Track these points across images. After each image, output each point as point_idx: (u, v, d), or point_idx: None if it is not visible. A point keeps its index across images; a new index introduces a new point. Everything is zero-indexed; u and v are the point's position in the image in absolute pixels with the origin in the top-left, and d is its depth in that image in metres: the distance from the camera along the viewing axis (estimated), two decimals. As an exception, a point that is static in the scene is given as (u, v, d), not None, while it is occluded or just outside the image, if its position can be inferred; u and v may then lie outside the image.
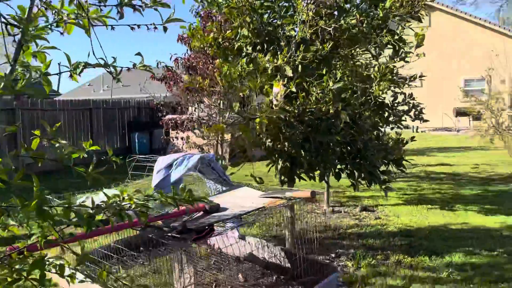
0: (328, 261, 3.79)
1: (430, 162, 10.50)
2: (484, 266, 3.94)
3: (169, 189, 1.54)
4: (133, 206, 1.36)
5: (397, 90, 5.38)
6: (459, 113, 16.17)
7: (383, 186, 4.21)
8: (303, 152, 3.59)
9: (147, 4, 1.14)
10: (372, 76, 3.92)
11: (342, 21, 3.85)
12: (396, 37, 4.07)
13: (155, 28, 1.19)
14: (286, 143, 3.55)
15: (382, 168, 4.27)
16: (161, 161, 2.73)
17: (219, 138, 6.40)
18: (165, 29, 1.18)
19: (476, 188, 7.37)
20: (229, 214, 2.14)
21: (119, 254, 2.30)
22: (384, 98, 5.24)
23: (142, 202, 1.38)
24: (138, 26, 1.19)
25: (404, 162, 5.05)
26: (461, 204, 6.21)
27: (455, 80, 18.48)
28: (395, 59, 4.96)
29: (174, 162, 2.65)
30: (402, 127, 5.58)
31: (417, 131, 20.43)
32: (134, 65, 1.18)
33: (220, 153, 6.32)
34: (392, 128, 5.55)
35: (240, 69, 3.84)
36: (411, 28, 4.10)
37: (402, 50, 4.72)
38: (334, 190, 7.05)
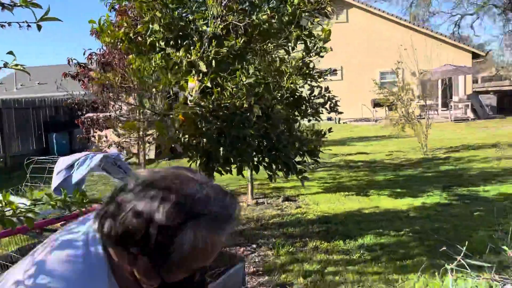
0: (234, 252, 3.90)
1: (350, 152, 11.08)
2: (391, 245, 4.26)
3: (70, 191, 1.50)
4: (18, 211, 1.30)
5: (314, 83, 5.60)
6: (376, 104, 17.22)
7: (300, 176, 4.38)
8: (220, 147, 3.63)
9: (17, 4, 1.10)
10: (284, 70, 4.06)
11: (254, 17, 3.93)
12: (306, 32, 4.24)
13: (29, 26, 1.15)
14: (202, 139, 3.58)
15: (298, 159, 4.45)
16: (62, 162, 2.61)
17: (140, 135, 6.25)
18: (39, 27, 1.15)
19: (389, 173, 7.92)
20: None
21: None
22: (301, 92, 5.45)
23: (28, 206, 1.33)
24: (9, 24, 1.14)
25: (323, 153, 5.29)
26: (375, 189, 6.64)
27: (372, 73, 19.61)
28: (311, 54, 5.17)
29: (75, 162, 2.55)
30: (320, 119, 5.81)
31: (339, 123, 21.43)
32: (6, 64, 1.13)
33: (138, 150, 6.18)
34: (309, 121, 5.77)
35: (153, 65, 3.78)
36: (320, 24, 4.29)
37: (316, 45, 4.94)
38: (260, 183, 7.20)
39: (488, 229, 4.43)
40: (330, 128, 5.81)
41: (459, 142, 11.70)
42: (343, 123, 21.35)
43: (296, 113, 5.55)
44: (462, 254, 3.11)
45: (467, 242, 4.02)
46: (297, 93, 5.46)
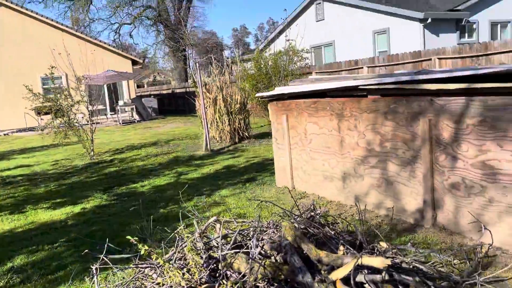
0: None
1: (8, 166, 9.88)
2: (44, 260, 4.02)
3: None
4: None
5: None
6: (39, 112, 16.00)
7: None
8: None
9: None
10: None
11: None
12: None
13: None
14: None
15: None
16: None
17: None
18: None
19: (51, 184, 7.51)
20: None
21: None
22: None
23: None
24: None
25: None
26: (32, 204, 6.13)
27: (32, 78, 18.12)
28: None
29: None
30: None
31: (-1, 134, 18.83)
32: None
33: None
34: None
35: None
36: None
37: None
38: None
39: (140, 220, 4.83)
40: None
41: (125, 144, 12.39)
42: (4, 134, 18.91)
43: None
44: (104, 252, 3.25)
45: (119, 238, 4.27)
46: None
